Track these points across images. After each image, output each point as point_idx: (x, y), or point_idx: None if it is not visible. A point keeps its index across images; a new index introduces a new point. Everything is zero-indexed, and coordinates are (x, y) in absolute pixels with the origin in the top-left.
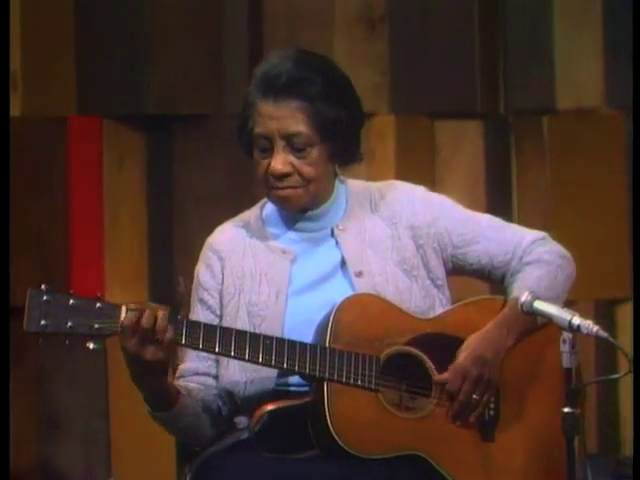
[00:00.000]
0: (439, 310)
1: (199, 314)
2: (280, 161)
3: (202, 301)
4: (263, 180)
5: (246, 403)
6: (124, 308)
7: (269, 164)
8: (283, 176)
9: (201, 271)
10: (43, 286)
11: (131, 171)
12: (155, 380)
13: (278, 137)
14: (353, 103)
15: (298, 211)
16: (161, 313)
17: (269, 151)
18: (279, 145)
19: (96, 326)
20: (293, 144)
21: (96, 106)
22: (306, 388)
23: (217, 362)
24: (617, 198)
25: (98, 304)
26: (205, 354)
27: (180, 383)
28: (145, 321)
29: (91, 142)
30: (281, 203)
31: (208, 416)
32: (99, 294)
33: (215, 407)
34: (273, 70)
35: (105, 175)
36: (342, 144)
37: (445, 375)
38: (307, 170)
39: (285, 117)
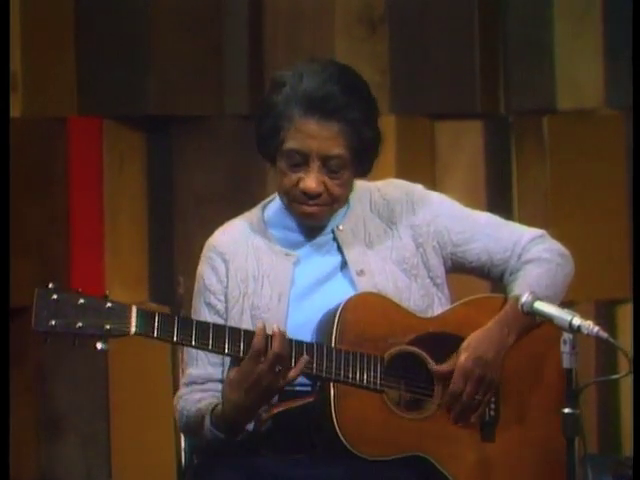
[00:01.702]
0: (437, 309)
1: (207, 318)
2: (315, 181)
3: (210, 305)
4: (289, 192)
5: None
6: (134, 308)
7: (299, 179)
8: (316, 196)
9: (206, 274)
10: (51, 285)
11: (131, 171)
12: (264, 404)
13: (316, 157)
14: (378, 120)
15: (318, 225)
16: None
17: (301, 166)
18: (315, 164)
19: (107, 327)
20: (329, 165)
21: (96, 106)
22: (309, 388)
23: (223, 366)
24: (617, 198)
25: (108, 304)
26: (216, 360)
27: (195, 389)
28: (278, 347)
29: (91, 142)
30: (304, 218)
31: None
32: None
33: None
34: (319, 91)
35: (105, 175)
36: (367, 161)
37: (444, 367)
38: (337, 190)
39: (327, 139)
